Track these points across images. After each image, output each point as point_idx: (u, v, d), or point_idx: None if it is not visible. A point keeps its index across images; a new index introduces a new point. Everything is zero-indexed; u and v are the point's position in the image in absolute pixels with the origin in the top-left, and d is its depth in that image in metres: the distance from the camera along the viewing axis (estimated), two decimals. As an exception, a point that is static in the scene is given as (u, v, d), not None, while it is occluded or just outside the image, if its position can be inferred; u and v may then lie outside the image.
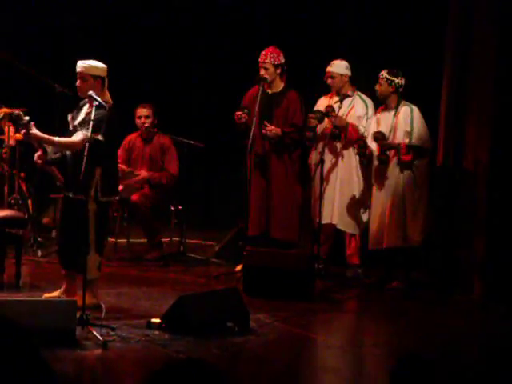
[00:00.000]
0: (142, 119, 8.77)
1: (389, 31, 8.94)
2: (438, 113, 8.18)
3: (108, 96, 6.43)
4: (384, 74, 7.80)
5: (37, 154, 6.46)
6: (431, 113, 8.02)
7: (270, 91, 8.28)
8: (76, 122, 6.39)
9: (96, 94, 6.19)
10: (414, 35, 8.67)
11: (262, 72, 8.14)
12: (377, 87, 7.84)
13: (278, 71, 8.20)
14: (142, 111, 8.78)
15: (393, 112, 7.83)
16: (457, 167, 8.05)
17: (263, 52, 8.18)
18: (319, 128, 8.18)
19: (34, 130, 6.28)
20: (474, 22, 7.90)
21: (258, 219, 8.19)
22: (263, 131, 8.12)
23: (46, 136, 6.34)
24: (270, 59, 8.12)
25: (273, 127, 8.14)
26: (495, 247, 7.70)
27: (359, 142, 7.92)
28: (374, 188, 7.90)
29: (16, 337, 1.25)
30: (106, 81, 6.44)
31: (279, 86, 8.28)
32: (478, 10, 7.90)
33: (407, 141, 7.71)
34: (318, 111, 8.13)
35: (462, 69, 8.00)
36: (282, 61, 8.18)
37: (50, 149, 6.46)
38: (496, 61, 7.75)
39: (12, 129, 8.44)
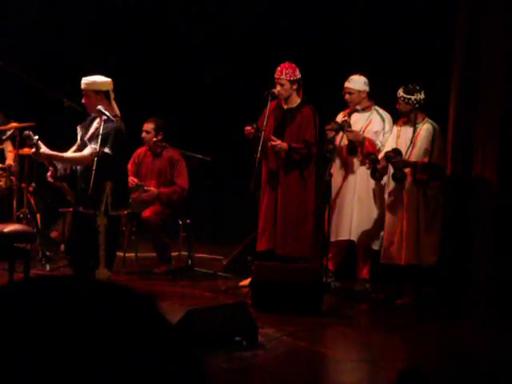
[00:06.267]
0: (143, 134, 8.81)
1: (398, 40, 8.94)
2: (447, 120, 8.16)
3: (116, 109, 6.43)
4: (400, 92, 7.64)
5: (49, 174, 6.48)
6: (440, 122, 7.97)
7: (285, 106, 8.15)
8: (86, 138, 6.41)
9: (104, 109, 6.21)
10: (424, 45, 8.67)
11: (278, 88, 8.00)
12: (397, 106, 7.72)
13: (294, 87, 8.05)
14: (145, 126, 8.81)
15: (414, 127, 7.74)
16: (465, 177, 8.01)
17: (278, 68, 8.03)
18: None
19: (43, 149, 6.29)
20: (483, 25, 7.88)
21: (267, 235, 8.14)
22: (268, 144, 8.04)
23: (55, 153, 6.36)
24: (285, 75, 7.98)
25: (279, 142, 8.01)
26: (504, 262, 7.66)
27: (371, 157, 7.76)
28: (389, 204, 7.84)
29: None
30: (112, 94, 6.43)
31: (295, 101, 8.12)
32: (488, 12, 7.87)
33: (426, 159, 7.63)
34: (335, 122, 8.03)
35: (471, 78, 7.99)
36: (298, 76, 8.02)
37: (59, 165, 6.47)
38: (506, 65, 7.74)
39: (10, 145, 8.45)
